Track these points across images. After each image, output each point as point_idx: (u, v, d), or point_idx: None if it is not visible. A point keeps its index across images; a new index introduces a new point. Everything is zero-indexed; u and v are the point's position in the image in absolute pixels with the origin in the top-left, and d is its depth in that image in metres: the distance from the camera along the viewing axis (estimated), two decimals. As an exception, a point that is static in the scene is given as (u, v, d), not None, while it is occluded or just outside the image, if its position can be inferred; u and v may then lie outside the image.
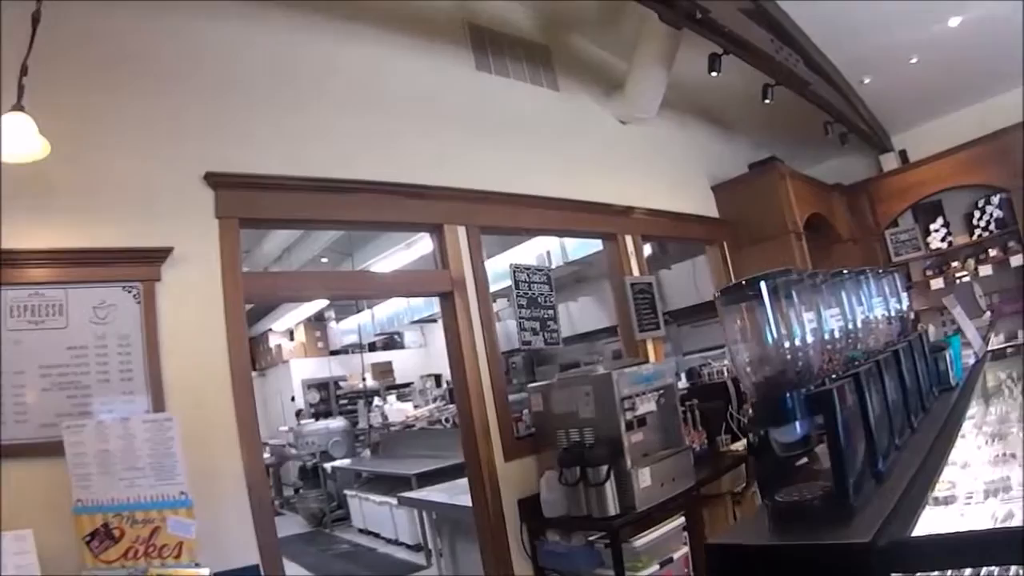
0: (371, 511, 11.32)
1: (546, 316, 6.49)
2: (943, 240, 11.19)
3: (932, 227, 11.20)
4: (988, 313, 8.89)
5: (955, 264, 11.09)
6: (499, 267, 6.92)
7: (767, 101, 7.93)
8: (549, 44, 7.77)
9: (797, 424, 1.89)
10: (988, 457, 3.27)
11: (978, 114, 11.19)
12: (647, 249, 9.11)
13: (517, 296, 6.31)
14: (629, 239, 7.73)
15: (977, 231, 11.06)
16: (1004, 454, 3.26)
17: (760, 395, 1.95)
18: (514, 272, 6.38)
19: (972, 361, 4.18)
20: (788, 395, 1.88)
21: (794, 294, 1.98)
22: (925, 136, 11.44)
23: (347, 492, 12.62)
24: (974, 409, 4.19)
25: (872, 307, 2.61)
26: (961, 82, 10.72)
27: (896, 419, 2.39)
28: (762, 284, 1.95)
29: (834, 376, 2.06)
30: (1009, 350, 5.90)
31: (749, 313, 1.97)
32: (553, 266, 10.12)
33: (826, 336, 2.13)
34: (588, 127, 7.94)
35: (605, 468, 4.86)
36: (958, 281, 10.83)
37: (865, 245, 11.21)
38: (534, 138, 7.15)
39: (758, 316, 1.94)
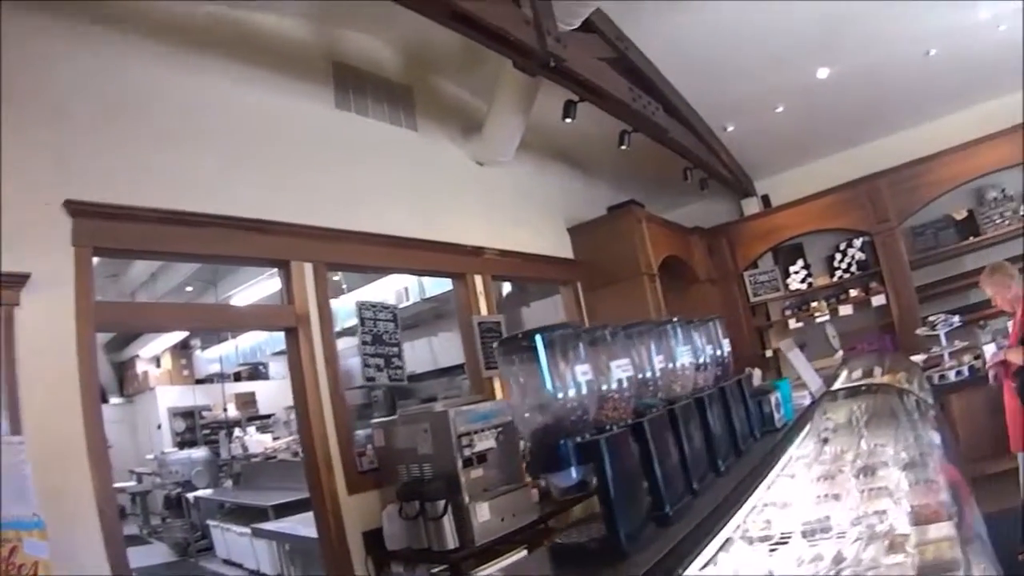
0: (233, 541, 11.20)
1: (391, 353, 6.54)
2: (803, 281, 11.58)
3: (792, 269, 11.62)
4: (840, 352, 9.14)
5: (815, 304, 11.44)
6: (363, 299, 6.92)
7: (623, 147, 8.11)
8: (412, 84, 7.82)
9: (572, 470, 1.95)
10: (813, 497, 3.33)
11: (842, 161, 11.74)
12: (506, 287, 9.14)
13: (362, 333, 6.37)
14: (479, 279, 7.83)
15: (838, 273, 11.49)
16: (828, 495, 3.33)
17: (536, 442, 2.01)
18: (360, 309, 6.44)
19: (808, 402, 4.27)
20: (561, 443, 1.95)
21: (570, 347, 2.04)
22: (789, 181, 11.87)
23: (210, 522, 12.45)
24: (809, 448, 4.28)
25: (678, 356, 2.65)
26: (826, 131, 11.18)
27: (697, 464, 2.44)
28: (538, 338, 2.00)
29: (618, 425, 2.09)
30: (863, 388, 6.07)
31: (527, 364, 2.01)
32: (411, 302, 10.15)
33: (613, 386, 2.18)
34: (445, 168, 8.01)
35: (442, 503, 4.95)
36: (815, 321, 11.14)
37: (724, 286, 11.57)
38: (389, 177, 7.20)
39: (534, 368, 1.98)
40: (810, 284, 11.62)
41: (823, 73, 9.56)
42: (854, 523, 2.95)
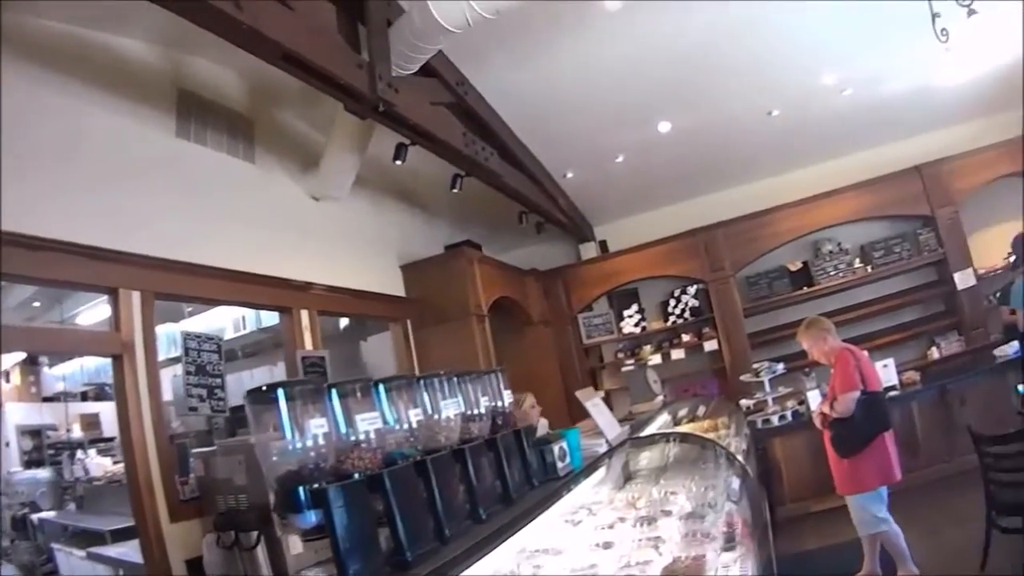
0: (77, 565, 10.83)
1: (213, 384, 6.50)
2: (637, 325, 11.90)
3: (627, 313, 11.94)
4: (660, 397, 9.43)
5: (647, 348, 11.75)
6: (197, 327, 6.87)
7: (455, 190, 8.28)
8: (253, 116, 7.75)
9: (311, 514, 2.10)
10: (588, 544, 3.52)
11: (681, 211, 12.20)
12: (344, 320, 9.20)
13: (186, 363, 6.32)
14: (305, 313, 7.80)
15: (672, 318, 11.87)
16: (602, 543, 3.52)
17: (279, 486, 2.15)
18: (185, 340, 6.39)
19: (603, 449, 4.41)
20: (298, 489, 2.10)
21: (311, 401, 2.21)
22: (627, 228, 12.21)
23: (54, 545, 12.02)
24: (603, 495, 4.47)
25: (443, 408, 2.78)
26: (667, 182, 11.54)
27: (453, 512, 2.59)
28: (280, 391, 2.14)
29: (361, 474, 2.25)
30: (668, 436, 6.26)
31: (272, 414, 2.15)
32: (248, 330, 10.10)
33: (361, 436, 2.32)
34: (279, 202, 7.94)
35: (255, 534, 4.91)
36: (648, 364, 11.43)
37: (558, 328, 11.81)
38: (224, 209, 7.11)
39: (278, 418, 2.13)
40: (644, 328, 12.00)
41: (665, 127, 9.83)
42: (619, 572, 3.16)
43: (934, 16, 4.48)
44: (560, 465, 3.64)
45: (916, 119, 11.88)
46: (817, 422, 6.37)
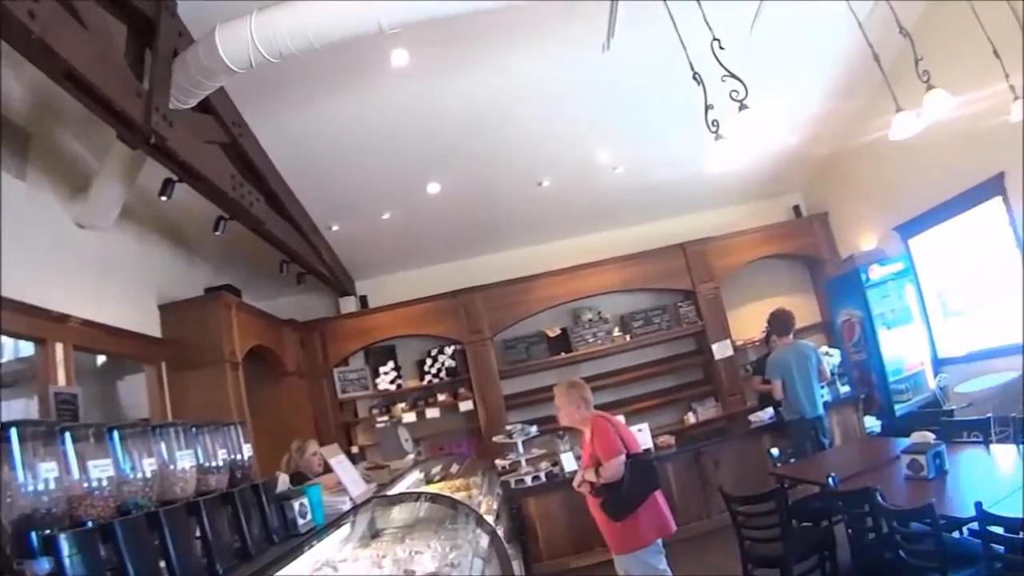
0: None
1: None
2: (392, 382, 11.81)
3: (383, 369, 11.80)
4: (411, 456, 9.39)
5: (401, 405, 11.69)
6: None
7: (218, 232, 8.04)
8: (33, 130, 7.13)
9: (44, 561, 1.96)
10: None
11: (446, 271, 12.30)
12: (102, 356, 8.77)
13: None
14: (60, 347, 7.33)
15: (428, 377, 11.85)
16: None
17: (12, 529, 1.99)
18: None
19: (347, 507, 4.33)
20: (30, 534, 1.97)
21: (44, 444, 2.08)
22: (389, 284, 12.18)
23: None
24: (347, 552, 4.39)
25: (177, 459, 2.67)
26: (432, 242, 11.64)
27: (189, 566, 2.47)
28: (13, 431, 2.00)
29: (94, 522, 2.12)
30: (418, 495, 6.24)
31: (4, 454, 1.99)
32: (4, 359, 9.52)
33: (94, 484, 2.19)
34: (45, 225, 7.36)
35: None
36: (403, 422, 11.37)
37: (313, 380, 11.54)
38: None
39: (9, 459, 1.99)
40: (399, 385, 11.92)
41: (434, 188, 9.92)
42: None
43: (707, 107, 4.68)
44: (301, 521, 3.54)
45: (684, 200, 12.53)
46: (584, 490, 6.30)
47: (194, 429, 2.86)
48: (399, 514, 5.24)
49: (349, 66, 7.21)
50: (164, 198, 6.92)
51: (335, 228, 10.44)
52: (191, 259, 10.08)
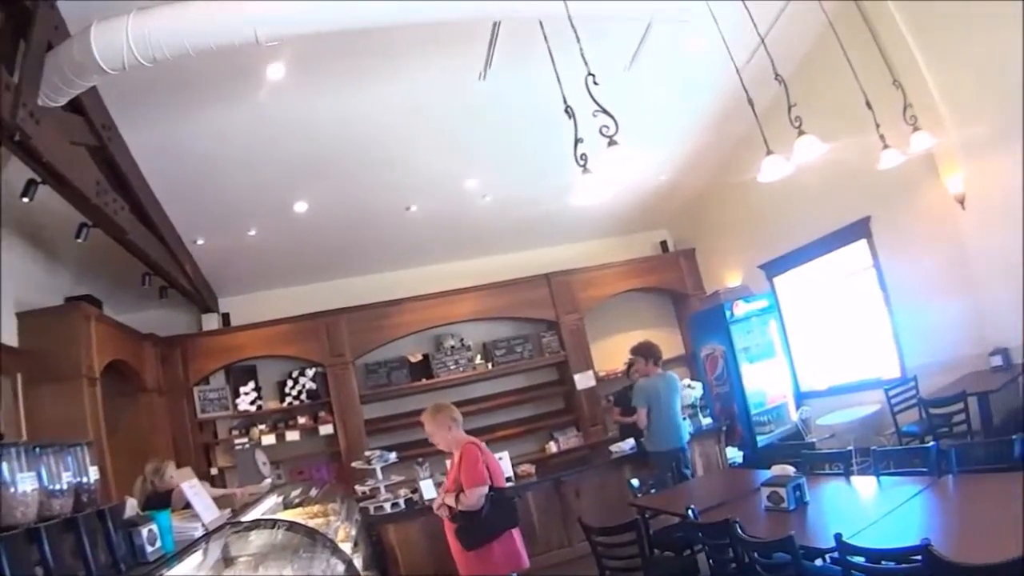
0: None
1: None
2: (253, 403, 11.56)
3: (243, 389, 11.54)
4: (268, 480, 9.19)
5: (262, 427, 11.43)
6: None
7: (80, 239, 7.72)
8: None
9: None
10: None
11: (310, 292, 12.17)
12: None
13: None
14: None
15: (289, 399, 11.65)
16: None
17: None
18: None
19: (199, 533, 4.18)
20: None
21: None
22: (253, 303, 11.95)
23: None
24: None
25: (18, 482, 2.53)
26: (298, 262, 11.52)
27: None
28: None
29: None
30: (273, 522, 6.05)
31: None
32: None
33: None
34: None
35: None
36: (262, 444, 11.13)
37: (173, 398, 11.17)
38: None
39: None
40: (260, 407, 11.66)
41: (301, 207, 9.80)
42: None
43: (577, 140, 4.70)
44: (150, 549, 3.39)
45: (551, 231, 12.70)
46: (443, 513, 6.29)
47: (37, 449, 2.70)
48: (255, 541, 5.09)
49: (224, 77, 7.10)
50: (26, 199, 6.58)
51: (200, 242, 10.19)
52: (52, 266, 9.57)
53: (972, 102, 8.69)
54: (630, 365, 10.28)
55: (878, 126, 7.15)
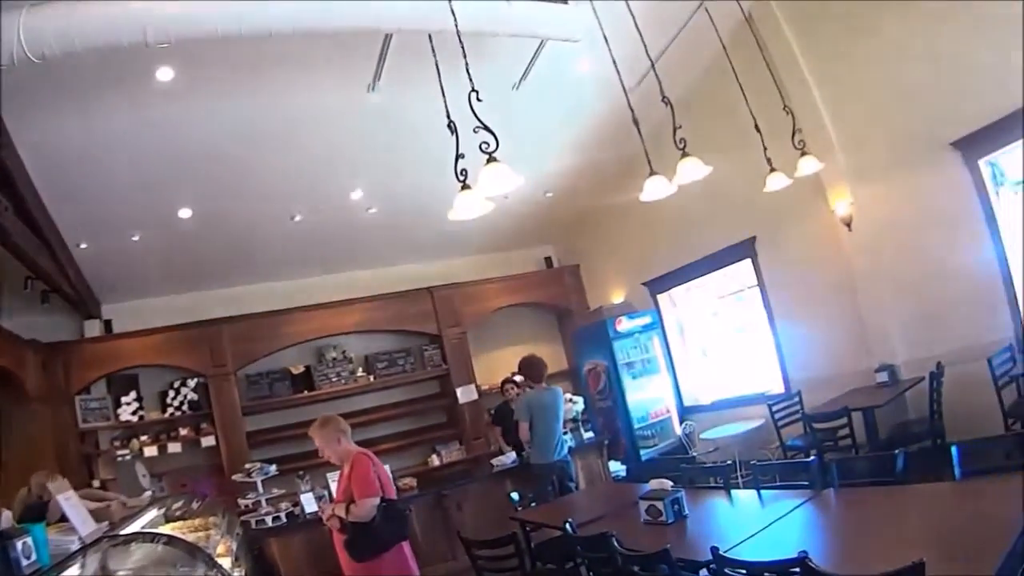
0: None
1: None
2: (134, 414, 11.30)
3: (125, 399, 11.28)
4: (148, 492, 9.05)
5: (144, 438, 11.19)
6: None
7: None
8: None
9: None
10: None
11: (193, 300, 12.01)
12: None
13: None
14: None
15: (170, 410, 11.45)
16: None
17: None
18: None
19: (76, 546, 4.12)
20: None
21: None
22: (136, 310, 11.73)
23: None
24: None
25: None
26: (182, 269, 11.31)
27: None
28: None
29: None
30: (150, 536, 5.91)
31: None
32: None
33: None
34: None
35: None
36: (144, 455, 10.91)
37: (55, 408, 10.79)
38: None
39: None
40: (142, 417, 11.40)
41: (186, 213, 9.68)
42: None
43: (458, 156, 4.76)
44: (25, 562, 3.34)
45: (435, 245, 12.82)
46: (333, 524, 6.20)
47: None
48: (134, 555, 5.02)
49: (114, 78, 7.00)
50: None
51: (83, 246, 9.91)
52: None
53: (862, 131, 9.17)
54: (504, 384, 10.43)
55: (765, 149, 7.36)
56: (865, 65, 9.07)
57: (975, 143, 8.26)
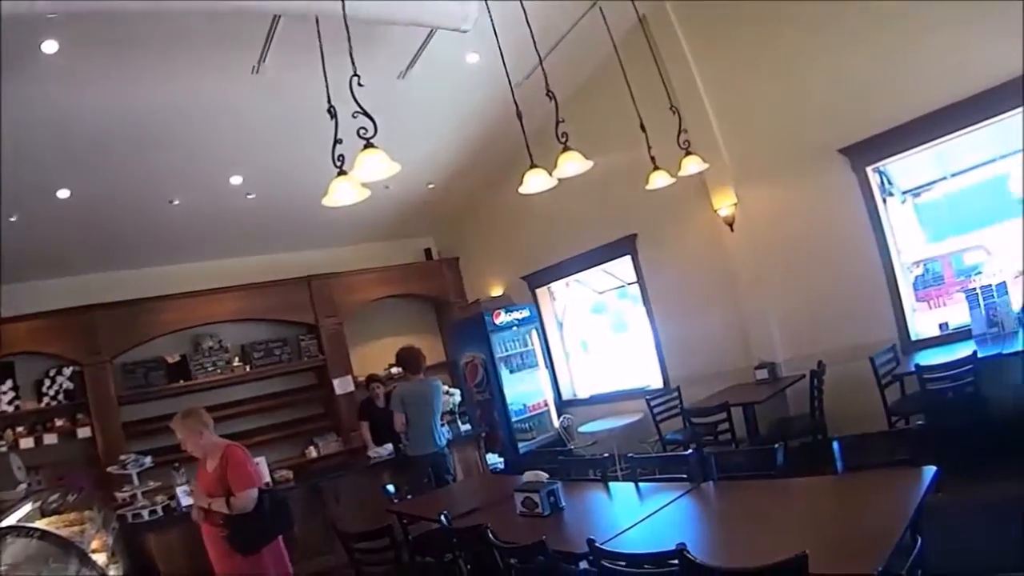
0: None
1: None
2: (10, 403, 11.01)
3: (1, 389, 10.95)
4: (23, 485, 8.90)
5: (20, 429, 10.92)
6: None
7: None
8: None
9: None
10: None
11: (73, 284, 11.68)
12: None
13: None
14: None
15: (46, 399, 11.17)
16: None
17: None
18: None
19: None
20: None
21: None
22: (12, 295, 11.17)
23: None
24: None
25: None
26: (58, 252, 11.02)
27: None
28: None
29: None
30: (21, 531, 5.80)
31: None
32: None
33: None
34: None
35: None
36: (20, 448, 10.66)
37: (-67, 396, 10.48)
38: None
39: None
40: (18, 407, 11.09)
41: (64, 193, 9.49)
42: None
43: (336, 141, 4.78)
44: None
45: (315, 233, 12.76)
46: (211, 520, 6.12)
47: None
48: (7, 549, 4.98)
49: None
50: None
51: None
52: None
53: (749, 134, 9.54)
54: (369, 381, 10.68)
55: (650, 148, 7.53)
56: (757, 70, 9.41)
57: (863, 151, 8.65)
